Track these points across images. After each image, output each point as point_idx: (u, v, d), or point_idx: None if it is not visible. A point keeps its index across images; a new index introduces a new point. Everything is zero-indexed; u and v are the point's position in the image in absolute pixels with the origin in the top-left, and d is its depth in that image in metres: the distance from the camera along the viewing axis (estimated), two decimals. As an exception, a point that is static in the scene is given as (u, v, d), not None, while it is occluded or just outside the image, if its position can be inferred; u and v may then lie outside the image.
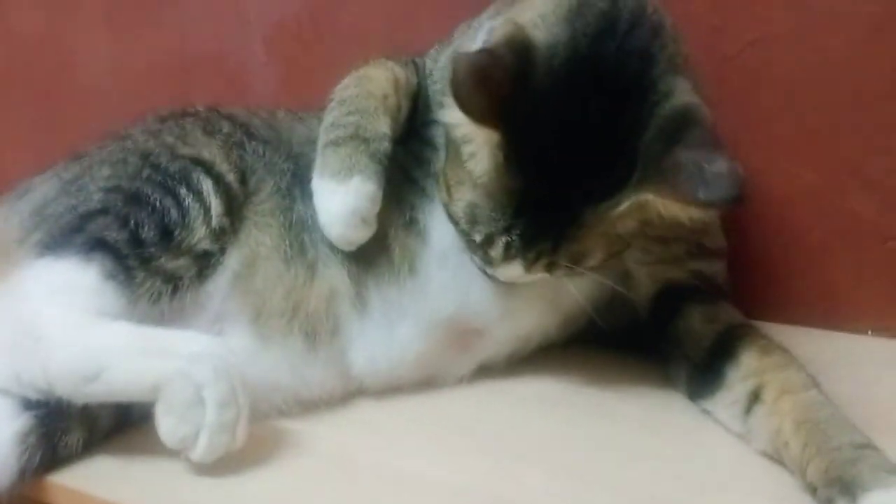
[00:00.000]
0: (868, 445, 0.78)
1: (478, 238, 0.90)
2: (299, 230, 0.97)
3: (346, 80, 1.01)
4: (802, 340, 1.06)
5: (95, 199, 0.90)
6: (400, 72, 1.01)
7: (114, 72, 1.53)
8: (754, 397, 0.88)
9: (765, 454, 0.86)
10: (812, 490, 0.77)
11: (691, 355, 0.97)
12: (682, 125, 0.83)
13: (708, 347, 0.95)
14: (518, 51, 0.84)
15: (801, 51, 1.15)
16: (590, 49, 0.85)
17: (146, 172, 0.92)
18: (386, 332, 0.96)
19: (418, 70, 1.05)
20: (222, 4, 1.46)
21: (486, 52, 0.83)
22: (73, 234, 0.86)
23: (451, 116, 0.86)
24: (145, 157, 0.94)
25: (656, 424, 0.93)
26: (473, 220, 0.90)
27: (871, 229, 1.16)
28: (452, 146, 0.91)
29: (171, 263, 0.88)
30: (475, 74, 0.80)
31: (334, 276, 0.96)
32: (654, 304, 1.02)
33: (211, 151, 0.97)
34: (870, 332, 1.18)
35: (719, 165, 0.79)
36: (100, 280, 0.83)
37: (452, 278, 0.97)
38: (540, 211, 0.86)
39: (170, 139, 0.98)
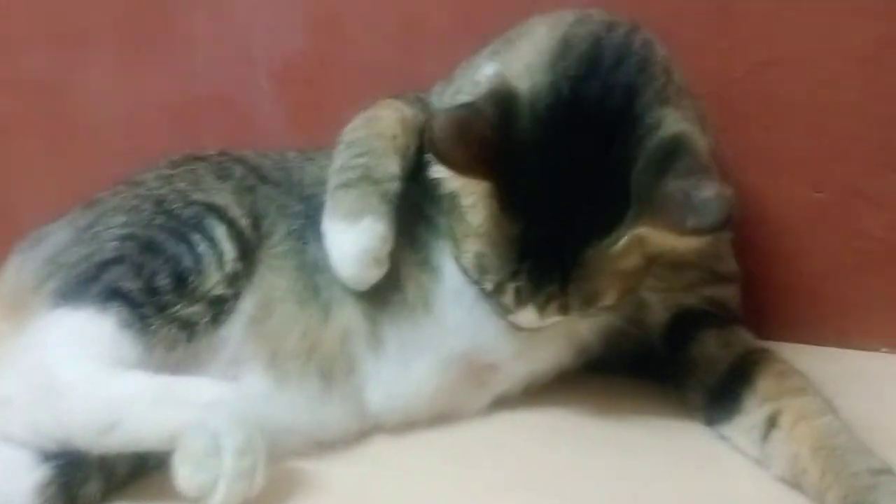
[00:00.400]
0: (886, 471, 0.78)
1: (489, 287, 0.91)
2: (313, 272, 0.97)
3: (355, 122, 1.02)
4: (816, 359, 1.07)
5: (110, 247, 0.90)
6: (408, 110, 1.02)
7: (122, 114, 1.53)
8: (771, 423, 0.88)
9: (783, 480, 0.86)
10: (832, 517, 0.77)
11: (707, 381, 0.97)
12: (671, 155, 0.83)
13: (724, 372, 0.96)
14: (499, 102, 0.86)
15: (807, 72, 1.16)
16: (573, 91, 0.87)
17: (159, 220, 0.93)
18: (402, 369, 0.96)
19: (425, 107, 1.05)
20: (228, 43, 1.46)
21: (466, 107, 0.86)
22: (88, 283, 0.87)
23: (437, 172, 0.87)
24: (158, 203, 0.95)
25: (673, 452, 0.93)
26: (482, 270, 0.91)
27: (881, 247, 1.17)
28: (454, 200, 0.92)
29: (185, 310, 0.88)
30: (453, 129, 0.82)
31: (349, 315, 0.96)
32: (668, 330, 1.02)
33: (223, 197, 0.97)
34: (883, 350, 1.19)
35: (707, 191, 0.80)
36: (116, 330, 0.84)
37: (467, 315, 0.98)
38: (542, 254, 0.87)
39: (182, 185, 0.98)
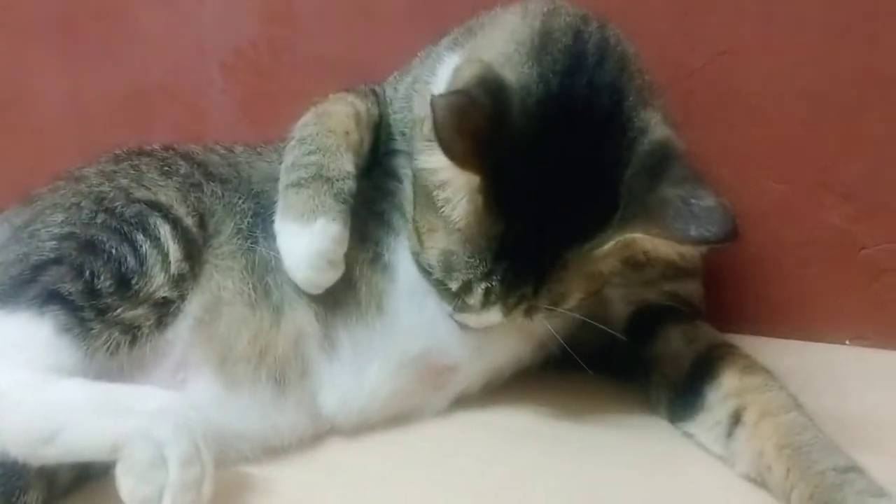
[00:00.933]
0: (852, 468, 0.77)
1: (454, 286, 0.88)
2: (263, 272, 0.94)
3: (306, 117, 0.99)
4: (780, 352, 1.07)
5: (48, 247, 0.86)
6: (360, 104, 0.99)
7: (69, 105, 1.50)
8: (735, 419, 0.87)
9: (748, 478, 0.85)
10: (797, 516, 0.76)
11: (671, 377, 0.95)
12: (663, 161, 0.82)
13: (687, 368, 0.94)
14: (492, 91, 0.81)
15: (767, 62, 1.15)
16: (561, 86, 0.84)
17: (101, 218, 0.89)
18: (356, 372, 0.93)
19: (379, 99, 1.03)
20: (178, 33, 1.43)
21: (462, 94, 0.80)
22: (25, 285, 0.83)
23: (432, 161, 0.83)
24: (100, 201, 0.91)
25: (637, 452, 0.92)
26: (449, 268, 0.87)
27: (845, 238, 1.16)
28: (423, 192, 0.89)
29: (128, 313, 0.85)
30: (454, 117, 0.77)
31: (301, 318, 0.93)
32: (630, 326, 1.00)
33: (168, 194, 0.94)
34: (848, 342, 1.18)
35: (708, 201, 0.77)
36: (54, 334, 0.80)
37: (421, 315, 0.95)
38: (521, 254, 0.84)
39: (125, 182, 0.95)
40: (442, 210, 0.86)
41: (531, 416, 0.99)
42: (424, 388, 0.96)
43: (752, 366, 0.91)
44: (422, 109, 0.93)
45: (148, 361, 0.87)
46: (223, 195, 0.98)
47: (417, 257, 0.92)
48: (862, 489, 0.75)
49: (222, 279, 0.93)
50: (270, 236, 0.93)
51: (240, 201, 0.99)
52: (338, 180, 0.93)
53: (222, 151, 1.06)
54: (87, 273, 0.84)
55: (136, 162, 0.99)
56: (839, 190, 1.15)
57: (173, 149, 1.04)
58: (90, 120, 1.49)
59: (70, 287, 0.83)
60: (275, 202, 0.94)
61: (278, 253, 0.92)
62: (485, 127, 0.79)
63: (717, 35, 1.16)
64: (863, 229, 1.15)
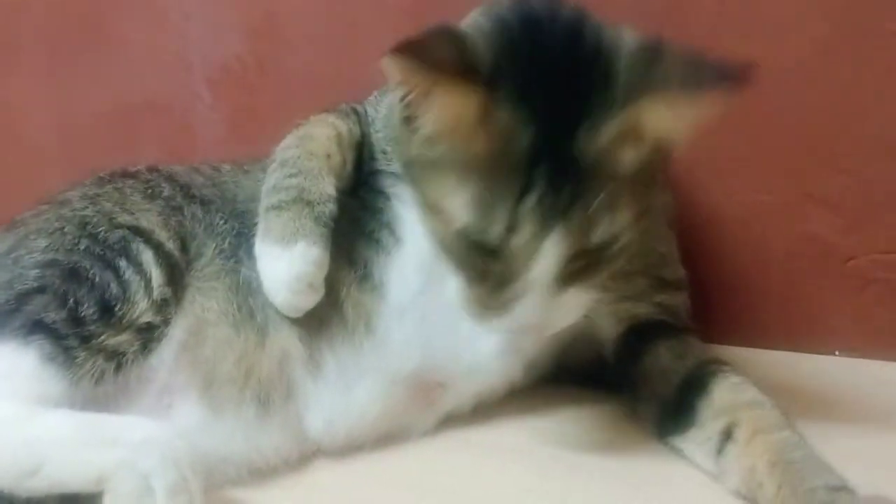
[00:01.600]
0: (843, 488, 0.77)
1: (501, 224, 0.79)
2: (246, 293, 0.94)
3: (287, 140, 0.99)
4: (770, 364, 1.07)
5: (32, 275, 0.86)
6: (342, 125, 0.99)
7: (57, 124, 1.49)
8: (726, 436, 0.86)
9: (738, 494, 0.84)
10: (789, 532, 0.76)
11: (660, 392, 0.95)
12: (659, 43, 0.81)
13: (678, 384, 0.94)
14: (452, 35, 0.80)
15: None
16: (523, 23, 0.83)
17: (84, 244, 0.89)
18: (343, 393, 0.93)
19: (360, 119, 1.03)
20: (164, 49, 1.43)
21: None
22: (9, 315, 0.82)
23: (430, 116, 0.80)
24: (83, 226, 0.91)
25: (626, 468, 0.91)
26: (488, 207, 0.79)
27: (832, 249, 1.16)
28: (436, 161, 0.83)
29: (112, 340, 0.84)
30: (440, 35, 0.77)
31: (285, 339, 0.93)
32: (620, 343, 1.00)
33: (149, 219, 0.93)
34: (837, 353, 1.18)
35: (712, 58, 0.77)
36: (38, 364, 0.80)
37: (414, 333, 0.95)
38: (551, 156, 0.78)
39: (108, 206, 0.94)
40: (460, 153, 0.80)
41: (519, 435, 0.98)
42: (415, 407, 0.96)
43: (742, 382, 0.91)
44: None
45: (133, 387, 0.86)
46: (203, 217, 0.98)
47: (440, 234, 0.86)
48: (851, 508, 0.75)
49: (206, 301, 0.92)
50: (254, 257, 0.93)
51: (221, 222, 0.98)
52: (318, 203, 0.92)
53: (208, 172, 1.05)
54: (71, 301, 0.84)
55: (120, 185, 0.99)
56: (825, 201, 1.15)
57: (158, 170, 1.03)
58: (77, 137, 1.49)
59: (54, 316, 0.82)
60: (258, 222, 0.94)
61: (260, 278, 0.92)
62: (458, 53, 0.77)
63: (699, 46, 1.15)
64: (850, 240, 1.15)
